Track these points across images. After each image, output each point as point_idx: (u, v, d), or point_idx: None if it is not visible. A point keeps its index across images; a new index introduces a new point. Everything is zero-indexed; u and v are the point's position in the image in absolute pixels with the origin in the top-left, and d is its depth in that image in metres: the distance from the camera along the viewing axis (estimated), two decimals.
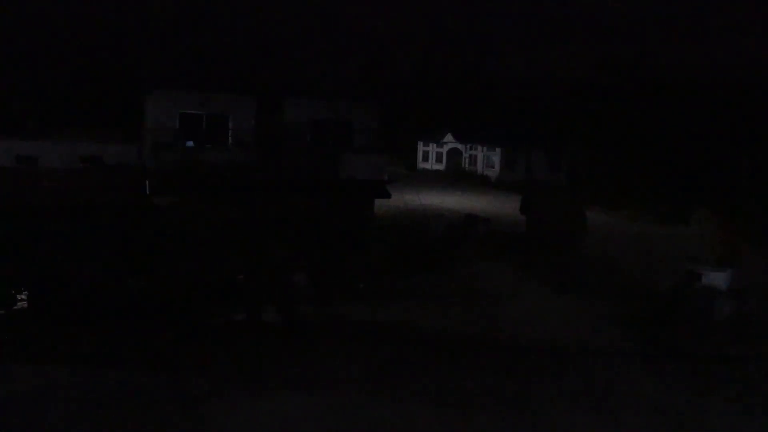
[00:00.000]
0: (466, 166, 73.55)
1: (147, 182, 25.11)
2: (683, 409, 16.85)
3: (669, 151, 52.69)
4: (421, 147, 79.00)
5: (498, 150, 69.72)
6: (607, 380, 18.49)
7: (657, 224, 44.68)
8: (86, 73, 53.88)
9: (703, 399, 17.51)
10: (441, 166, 75.77)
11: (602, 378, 18.65)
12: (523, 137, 67.47)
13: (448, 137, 75.46)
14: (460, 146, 74.80)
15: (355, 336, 21.01)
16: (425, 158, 78.56)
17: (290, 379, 17.55)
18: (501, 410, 16.28)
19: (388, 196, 29.25)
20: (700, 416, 16.46)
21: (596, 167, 57.87)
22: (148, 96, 28.28)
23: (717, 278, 23.79)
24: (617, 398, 17.31)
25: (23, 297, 21.95)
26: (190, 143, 27.31)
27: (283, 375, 17.79)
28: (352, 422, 15.32)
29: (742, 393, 18.07)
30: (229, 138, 28.11)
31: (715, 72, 59.01)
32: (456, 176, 69.89)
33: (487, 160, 71.23)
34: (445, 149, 76.17)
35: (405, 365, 18.85)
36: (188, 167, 25.79)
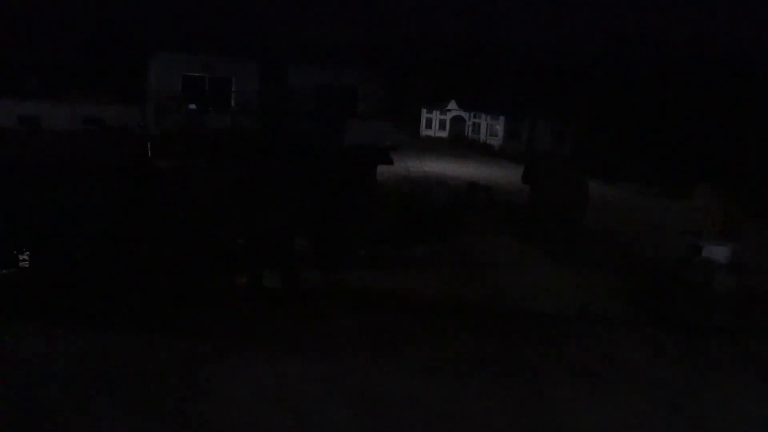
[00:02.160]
0: (470, 134, 73.28)
1: (149, 145, 25.01)
2: (680, 381, 16.96)
3: (673, 124, 52.40)
4: (424, 114, 78.56)
5: (501, 119, 69.39)
6: (606, 351, 18.60)
7: (660, 197, 44.62)
8: (89, 34, 53.41)
9: (700, 372, 17.63)
10: (444, 134, 75.48)
11: (601, 349, 18.75)
12: (527, 107, 67.08)
13: (452, 105, 75.08)
14: (463, 114, 74.46)
15: (357, 303, 21.08)
16: (428, 125, 78.18)
17: (290, 344, 17.65)
18: (500, 378, 16.39)
19: (391, 162, 29.14)
20: (697, 389, 16.58)
21: (600, 139, 57.58)
22: (151, 58, 28.05)
23: (718, 252, 23.83)
24: (615, 370, 17.42)
25: (25, 258, 21.99)
26: (192, 106, 27.15)
27: (283, 340, 17.89)
28: (351, 387, 15.44)
29: (740, 366, 18.18)
30: (232, 102, 27.94)
31: (722, 45, 58.48)
32: (459, 144, 69.65)
33: (491, 128, 70.94)
34: (448, 117, 75.82)
35: (406, 332, 18.95)
36: (190, 131, 25.67)
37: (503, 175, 48.15)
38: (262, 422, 13.87)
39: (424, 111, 78.60)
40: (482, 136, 71.33)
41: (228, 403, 14.44)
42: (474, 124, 73.24)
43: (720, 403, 15.96)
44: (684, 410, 15.46)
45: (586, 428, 14.45)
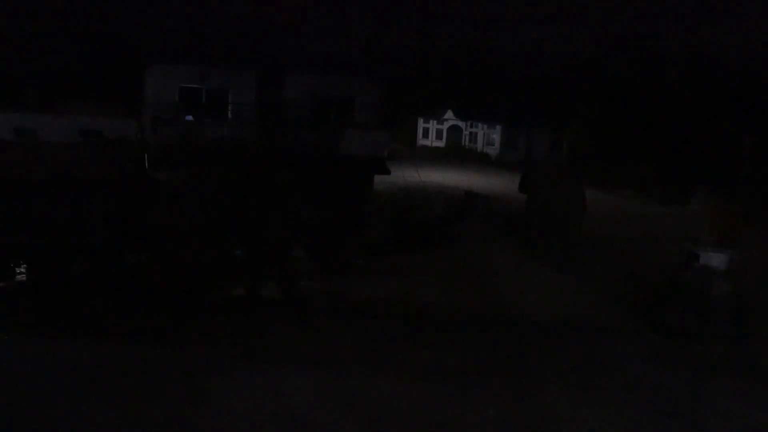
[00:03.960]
0: (466, 143, 73.39)
1: (146, 157, 25.02)
2: (679, 388, 16.95)
3: (670, 132, 52.53)
4: (421, 124, 78.72)
5: (498, 128, 69.54)
6: (605, 358, 18.58)
7: (657, 204, 44.68)
8: (85, 46, 53.48)
9: (699, 378, 17.62)
10: (441, 143, 75.57)
11: (599, 356, 18.74)
12: (524, 115, 67.28)
13: (449, 114, 75.22)
14: (460, 123, 74.59)
15: (354, 311, 21.08)
16: (425, 135, 78.31)
17: (289, 353, 17.62)
18: (499, 386, 16.36)
19: (388, 172, 29.17)
20: (696, 395, 16.56)
21: (597, 147, 57.69)
22: (148, 70, 28.09)
23: (715, 259, 23.77)
24: (614, 376, 17.40)
25: (22, 270, 21.97)
26: (189, 118, 27.16)
27: (282, 349, 17.86)
28: (350, 396, 15.40)
29: (738, 373, 18.17)
30: (229, 113, 27.96)
31: (718, 52, 58.67)
32: (456, 153, 69.73)
33: (488, 137, 71.08)
34: (445, 126, 75.93)
35: (404, 340, 18.93)
36: (188, 142, 25.67)
37: (500, 183, 48.18)
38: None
39: (420, 121, 78.74)
40: (479, 146, 71.46)
41: (226, 413, 14.40)
42: (471, 133, 73.36)
43: (718, 409, 15.94)
44: (683, 416, 15.43)
45: None
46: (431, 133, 77.56)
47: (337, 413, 14.67)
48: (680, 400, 16.22)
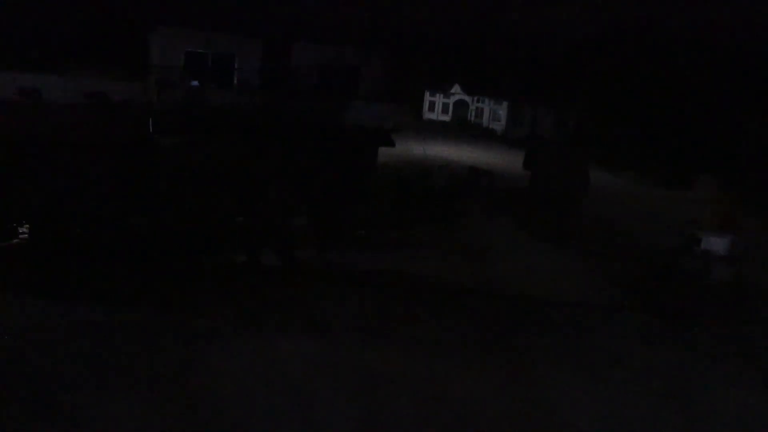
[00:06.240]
0: (473, 118, 73.11)
1: (150, 121, 24.95)
2: (675, 370, 17.03)
3: (675, 115, 52.28)
4: (427, 97, 78.37)
5: (505, 104, 69.19)
6: (602, 339, 18.65)
7: (660, 187, 44.58)
8: (92, 6, 53.13)
9: (695, 361, 17.69)
10: (447, 117, 75.30)
11: (597, 336, 18.80)
12: (530, 92, 66.91)
13: (456, 88, 74.84)
14: (467, 98, 74.26)
15: (354, 282, 21.11)
16: (431, 108, 78.00)
17: (287, 322, 17.70)
18: (495, 363, 16.45)
19: (393, 144, 29.09)
20: (691, 378, 16.65)
21: (602, 127, 57.47)
22: (154, 33, 27.90)
23: (716, 243, 23.83)
24: (609, 356, 17.48)
25: (24, 231, 22.02)
26: (195, 83, 27.04)
27: (280, 318, 17.93)
28: (346, 366, 15.49)
29: (734, 357, 18.24)
30: (235, 79, 27.82)
31: (725, 35, 58.22)
32: (461, 128, 69.51)
33: (494, 113, 70.77)
34: (451, 100, 75.60)
35: (402, 314, 18.99)
36: (192, 107, 25.58)
37: (505, 160, 48.10)
38: (255, 399, 13.92)
39: (427, 94, 78.38)
40: (485, 121, 71.18)
41: (223, 379, 14.50)
42: (477, 108, 73.04)
43: (714, 391, 16.03)
44: (678, 398, 15.52)
45: (579, 414, 14.51)
46: (437, 107, 77.25)
47: (331, 381, 14.78)
48: (676, 382, 16.31)
